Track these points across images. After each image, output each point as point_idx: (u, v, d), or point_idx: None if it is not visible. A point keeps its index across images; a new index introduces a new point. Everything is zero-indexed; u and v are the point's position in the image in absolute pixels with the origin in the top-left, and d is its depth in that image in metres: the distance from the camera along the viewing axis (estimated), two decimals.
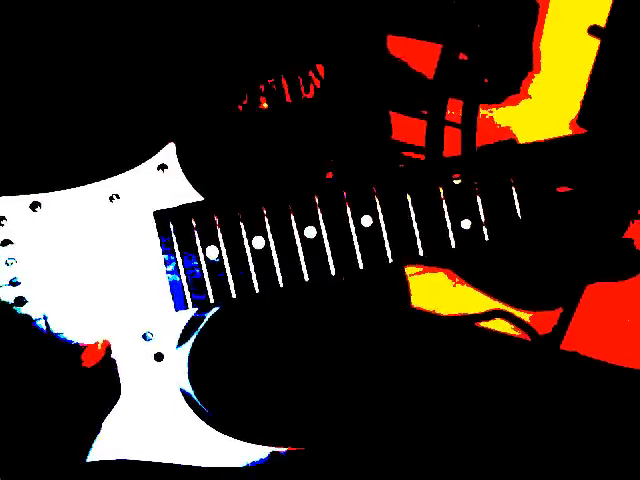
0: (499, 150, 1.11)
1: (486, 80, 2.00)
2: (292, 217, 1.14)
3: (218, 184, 1.19)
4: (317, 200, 1.12)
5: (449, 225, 1.08)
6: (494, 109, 1.99)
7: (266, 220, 1.14)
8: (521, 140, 1.99)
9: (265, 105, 1.20)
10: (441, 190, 1.07)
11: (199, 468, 1.34)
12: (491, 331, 1.86)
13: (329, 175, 1.35)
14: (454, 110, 1.95)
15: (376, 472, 1.68)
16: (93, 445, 1.32)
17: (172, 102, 1.23)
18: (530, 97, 1.96)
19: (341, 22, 1.32)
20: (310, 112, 1.26)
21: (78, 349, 1.26)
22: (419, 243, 1.09)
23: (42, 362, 1.28)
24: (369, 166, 1.42)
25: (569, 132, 1.93)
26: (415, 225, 1.09)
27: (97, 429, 1.28)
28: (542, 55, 1.97)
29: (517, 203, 1.06)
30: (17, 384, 1.20)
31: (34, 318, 1.28)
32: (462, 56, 1.95)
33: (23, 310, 1.28)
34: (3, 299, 1.28)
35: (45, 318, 1.28)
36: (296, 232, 1.14)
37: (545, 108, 1.96)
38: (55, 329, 1.29)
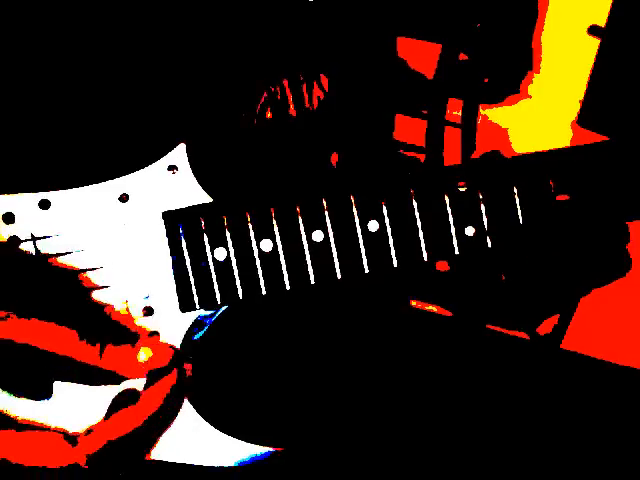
0: (503, 158, 1.12)
1: (486, 80, 2.01)
2: (300, 221, 1.15)
3: (228, 186, 1.19)
4: (325, 205, 1.13)
5: (453, 232, 1.09)
6: (494, 109, 2.00)
7: (274, 223, 1.15)
8: (521, 140, 2.01)
9: (269, 115, 1.20)
10: (446, 197, 1.08)
11: (201, 467, 1.35)
12: (491, 331, 1.88)
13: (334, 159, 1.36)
14: (454, 110, 1.96)
15: (376, 472, 1.69)
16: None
17: (183, 103, 1.23)
18: (530, 97, 1.98)
19: (344, 27, 1.33)
20: (316, 120, 1.27)
21: None
22: (424, 249, 1.10)
23: None
24: (377, 173, 1.43)
25: (569, 132, 1.94)
26: (420, 231, 1.10)
27: None
28: (542, 55, 1.98)
29: (520, 211, 1.07)
30: None
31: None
32: (462, 56, 1.96)
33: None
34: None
35: None
36: (304, 235, 1.15)
37: (545, 108, 1.97)
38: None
